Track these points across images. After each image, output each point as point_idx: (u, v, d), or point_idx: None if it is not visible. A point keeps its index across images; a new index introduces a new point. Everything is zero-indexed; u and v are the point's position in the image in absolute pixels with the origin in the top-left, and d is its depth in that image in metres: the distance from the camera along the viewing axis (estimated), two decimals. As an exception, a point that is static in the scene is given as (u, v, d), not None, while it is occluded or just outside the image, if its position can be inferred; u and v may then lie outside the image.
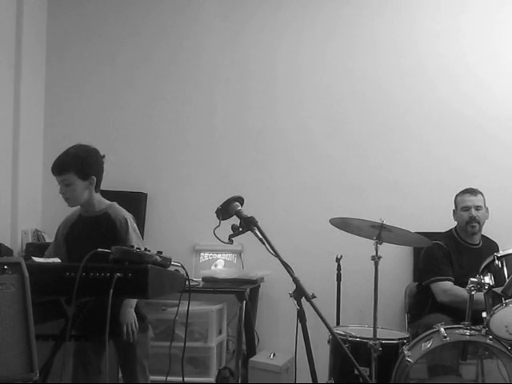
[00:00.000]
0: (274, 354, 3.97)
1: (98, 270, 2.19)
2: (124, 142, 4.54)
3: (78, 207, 2.98)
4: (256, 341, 4.14)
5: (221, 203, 2.44)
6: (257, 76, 4.51)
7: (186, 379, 2.75)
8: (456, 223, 3.85)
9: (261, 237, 2.31)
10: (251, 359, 3.95)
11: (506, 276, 2.97)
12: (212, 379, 3.93)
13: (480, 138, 4.28)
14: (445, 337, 2.90)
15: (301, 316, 2.24)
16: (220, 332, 4.12)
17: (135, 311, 2.91)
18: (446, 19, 4.34)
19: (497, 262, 3.04)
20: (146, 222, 4.33)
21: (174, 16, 4.58)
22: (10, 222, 4.15)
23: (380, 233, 3.14)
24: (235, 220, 2.40)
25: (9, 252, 3.77)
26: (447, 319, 3.33)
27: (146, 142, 4.57)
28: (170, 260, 2.39)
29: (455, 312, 3.38)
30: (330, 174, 4.40)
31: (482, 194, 3.78)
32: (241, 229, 2.37)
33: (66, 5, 4.64)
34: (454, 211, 3.85)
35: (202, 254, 4.40)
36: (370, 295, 3.18)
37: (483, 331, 2.93)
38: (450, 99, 4.31)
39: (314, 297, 2.26)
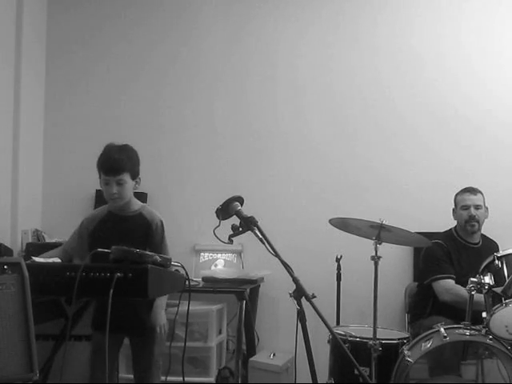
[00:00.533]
0: (273, 354, 3.97)
1: (98, 270, 2.19)
2: (124, 142, 4.51)
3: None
4: (256, 341, 4.14)
5: (221, 203, 2.44)
6: (257, 76, 4.51)
7: (186, 379, 2.75)
8: (456, 222, 3.85)
9: (261, 237, 2.31)
10: (251, 359, 3.95)
11: (506, 276, 2.97)
12: (212, 379, 3.93)
13: (480, 137, 4.27)
14: (445, 337, 2.90)
15: (301, 316, 2.24)
16: (220, 332, 4.12)
17: None
18: (447, 19, 4.34)
19: (497, 261, 3.04)
20: (146, 222, 4.32)
21: (174, 16, 4.58)
22: (10, 222, 4.14)
23: (379, 233, 3.14)
24: (235, 220, 2.40)
25: (9, 252, 3.77)
26: (448, 321, 3.32)
27: (146, 141, 4.54)
28: (170, 260, 2.39)
29: (456, 313, 3.37)
30: (329, 174, 4.40)
31: (482, 194, 3.78)
32: (241, 229, 2.37)
33: (66, 5, 4.64)
34: (453, 210, 3.85)
35: (201, 254, 4.40)
36: (370, 295, 3.18)
37: (483, 331, 2.93)
38: (450, 99, 4.31)
39: (314, 297, 2.26)
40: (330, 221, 3.27)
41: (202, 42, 4.55)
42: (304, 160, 4.43)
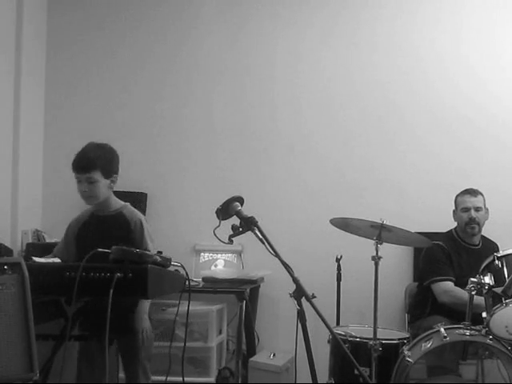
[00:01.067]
0: (273, 354, 3.97)
1: (98, 270, 2.19)
2: (124, 142, 4.49)
3: (89, 206, 2.98)
4: (256, 341, 4.14)
5: (221, 203, 2.44)
6: (256, 77, 4.51)
7: (186, 379, 2.75)
8: (456, 224, 3.85)
9: (261, 237, 2.32)
10: (251, 359, 3.95)
11: (506, 276, 2.97)
12: (212, 379, 3.93)
13: (480, 138, 4.27)
14: (445, 337, 2.90)
15: (301, 316, 2.24)
16: (220, 332, 4.12)
17: None
18: (446, 19, 4.34)
19: (497, 262, 3.04)
20: (145, 222, 4.32)
21: (174, 16, 4.58)
22: (10, 222, 4.14)
23: (380, 233, 3.14)
24: (235, 220, 2.40)
25: (9, 252, 3.76)
26: (448, 322, 3.32)
27: (146, 142, 4.57)
28: (169, 260, 2.39)
29: (456, 314, 3.38)
30: (330, 174, 4.40)
31: (482, 195, 3.77)
32: (241, 229, 2.37)
33: (66, 5, 4.64)
34: (453, 212, 3.85)
35: (201, 254, 4.40)
36: (370, 295, 3.18)
37: (483, 331, 2.93)
38: (450, 100, 4.31)
39: (314, 297, 2.26)
40: (331, 221, 3.27)
41: (202, 43, 4.55)
42: (304, 160, 4.42)
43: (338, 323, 3.88)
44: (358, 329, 3.38)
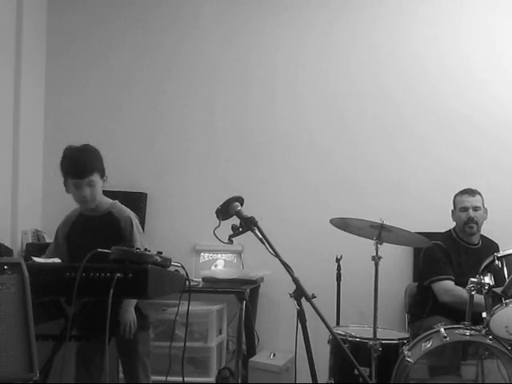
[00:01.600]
0: (273, 354, 3.96)
1: (98, 270, 2.19)
2: (124, 142, 4.54)
3: (76, 206, 2.99)
4: (256, 341, 4.14)
5: (221, 203, 2.44)
6: (256, 76, 4.51)
7: (186, 379, 2.75)
8: (455, 223, 3.85)
9: (261, 237, 2.32)
10: (251, 359, 3.95)
11: (506, 276, 2.97)
12: (212, 379, 3.93)
13: (480, 137, 4.27)
14: (445, 337, 2.90)
15: (301, 316, 2.24)
16: (220, 332, 4.12)
17: (137, 310, 2.91)
18: (447, 20, 4.33)
19: (497, 262, 3.04)
20: (145, 222, 4.32)
21: (174, 16, 4.58)
22: (10, 222, 4.14)
23: (380, 233, 3.14)
24: (235, 220, 2.40)
25: (9, 252, 3.76)
26: (448, 322, 3.32)
27: (146, 142, 4.57)
28: (170, 260, 2.39)
29: (456, 314, 3.38)
30: (330, 174, 4.40)
31: (481, 195, 3.78)
32: (241, 229, 2.37)
33: (66, 5, 4.64)
34: (452, 211, 3.85)
35: (202, 254, 4.40)
36: (370, 295, 3.18)
37: (483, 331, 2.93)
38: (450, 99, 4.31)
39: (314, 297, 2.26)
40: (331, 221, 3.27)
41: (202, 43, 4.55)
42: (304, 160, 4.42)
43: (337, 323, 3.88)
44: (357, 329, 3.38)
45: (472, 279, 2.99)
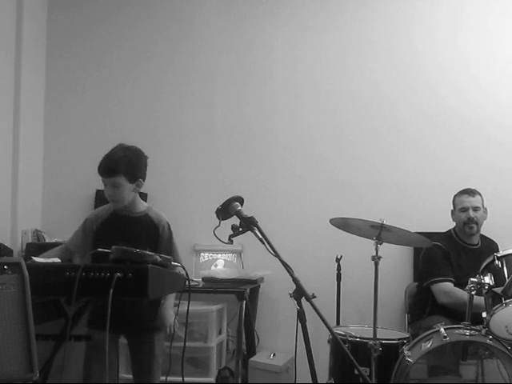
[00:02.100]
0: (273, 354, 3.96)
1: (98, 270, 2.19)
2: (124, 142, 4.51)
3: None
4: (256, 341, 4.14)
5: (221, 203, 2.44)
6: (256, 77, 4.51)
7: (185, 379, 2.75)
8: (454, 224, 3.85)
9: (261, 237, 2.31)
10: (251, 359, 3.95)
11: (506, 276, 2.97)
12: (212, 379, 3.93)
13: (479, 138, 4.27)
14: (445, 337, 2.90)
15: (301, 316, 2.24)
16: (220, 332, 4.12)
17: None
18: (446, 21, 4.33)
19: (497, 262, 3.03)
20: (146, 222, 4.32)
21: (173, 16, 4.58)
22: (10, 222, 4.14)
23: (380, 233, 3.14)
24: (235, 220, 2.40)
25: (9, 252, 3.77)
26: (448, 321, 3.32)
27: (146, 142, 4.50)
28: (170, 260, 2.39)
29: (455, 314, 3.38)
30: (330, 174, 4.40)
31: (480, 195, 3.78)
32: (241, 229, 2.37)
33: (66, 5, 4.64)
34: (452, 212, 3.85)
35: (201, 254, 4.40)
36: (370, 295, 3.18)
37: (483, 331, 2.93)
38: (448, 100, 4.31)
39: (314, 297, 2.26)
40: (331, 221, 3.27)
41: (201, 43, 4.55)
42: (304, 160, 4.42)
43: (337, 323, 3.88)
44: (357, 329, 3.38)
45: (472, 279, 2.99)
